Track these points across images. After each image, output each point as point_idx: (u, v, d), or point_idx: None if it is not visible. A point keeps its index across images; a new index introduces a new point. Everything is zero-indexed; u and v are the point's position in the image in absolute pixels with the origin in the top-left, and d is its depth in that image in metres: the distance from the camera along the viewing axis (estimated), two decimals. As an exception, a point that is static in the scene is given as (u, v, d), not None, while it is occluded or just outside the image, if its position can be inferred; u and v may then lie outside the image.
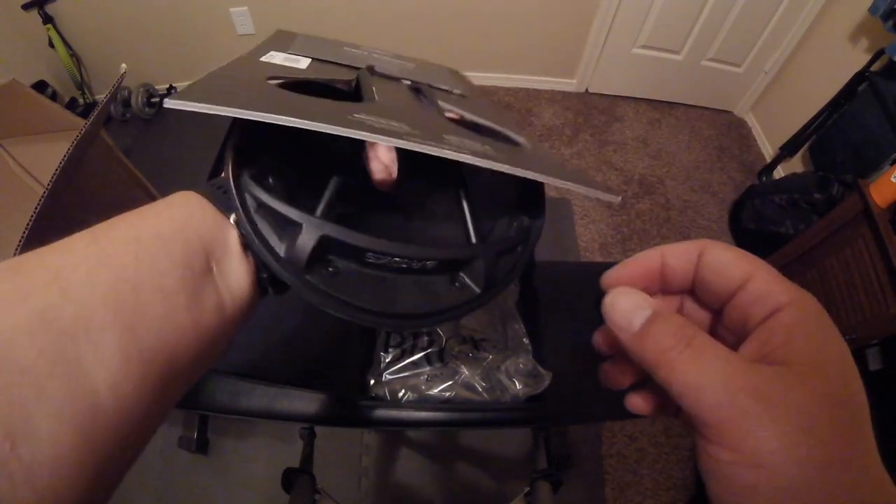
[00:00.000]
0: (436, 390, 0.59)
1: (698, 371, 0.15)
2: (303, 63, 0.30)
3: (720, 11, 1.80)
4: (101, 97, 0.79)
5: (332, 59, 0.33)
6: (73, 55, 1.82)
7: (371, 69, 0.31)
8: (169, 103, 0.16)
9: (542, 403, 0.60)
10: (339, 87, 0.29)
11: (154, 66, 1.94)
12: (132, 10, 1.75)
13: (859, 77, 1.45)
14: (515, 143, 0.28)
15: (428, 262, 0.21)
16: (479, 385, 0.59)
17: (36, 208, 0.59)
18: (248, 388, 0.61)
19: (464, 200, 0.25)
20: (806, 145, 1.68)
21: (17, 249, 0.55)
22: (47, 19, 1.68)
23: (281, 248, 0.20)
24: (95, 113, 0.68)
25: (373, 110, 0.20)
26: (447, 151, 0.18)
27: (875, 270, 1.05)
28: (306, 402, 0.61)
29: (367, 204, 0.25)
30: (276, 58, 0.30)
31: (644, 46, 1.96)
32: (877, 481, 0.14)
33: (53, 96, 1.80)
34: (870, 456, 0.14)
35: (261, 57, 0.30)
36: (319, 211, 0.21)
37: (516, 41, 1.96)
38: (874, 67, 1.43)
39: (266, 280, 0.21)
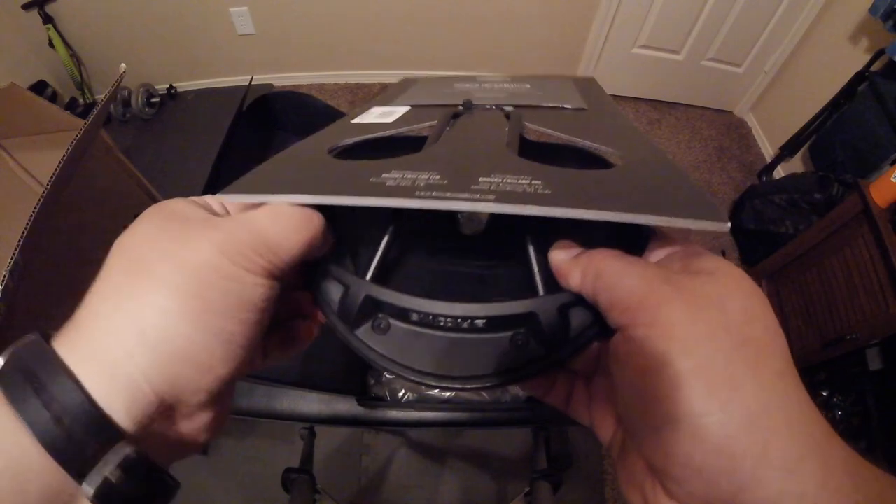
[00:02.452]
0: (436, 390, 0.59)
1: (620, 267, 0.16)
2: (396, 115, 0.30)
3: (720, 11, 1.80)
4: (101, 97, 0.79)
5: (431, 102, 0.33)
6: (73, 55, 1.82)
7: (469, 103, 0.31)
8: (221, 198, 0.18)
9: (542, 403, 0.60)
10: (414, 136, 0.29)
11: (154, 66, 1.94)
12: (132, 10, 1.75)
13: (859, 77, 1.45)
14: (608, 165, 0.25)
15: (476, 321, 0.19)
16: (479, 385, 0.59)
17: (35, 208, 0.59)
18: (248, 388, 0.61)
19: (530, 245, 0.22)
20: (806, 145, 1.68)
21: (16, 249, 0.55)
22: (47, 19, 1.68)
23: (335, 305, 0.21)
24: (95, 113, 0.68)
25: (409, 163, 0.20)
26: (458, 203, 0.17)
27: (875, 270, 1.05)
28: (306, 402, 0.61)
29: (433, 250, 0.25)
30: (372, 115, 0.31)
31: (644, 46, 1.96)
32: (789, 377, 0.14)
33: (53, 96, 1.80)
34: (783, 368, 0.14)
35: (356, 118, 0.31)
36: (371, 268, 0.22)
37: (516, 41, 1.95)
38: (874, 67, 1.43)
39: None
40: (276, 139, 0.96)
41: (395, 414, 0.60)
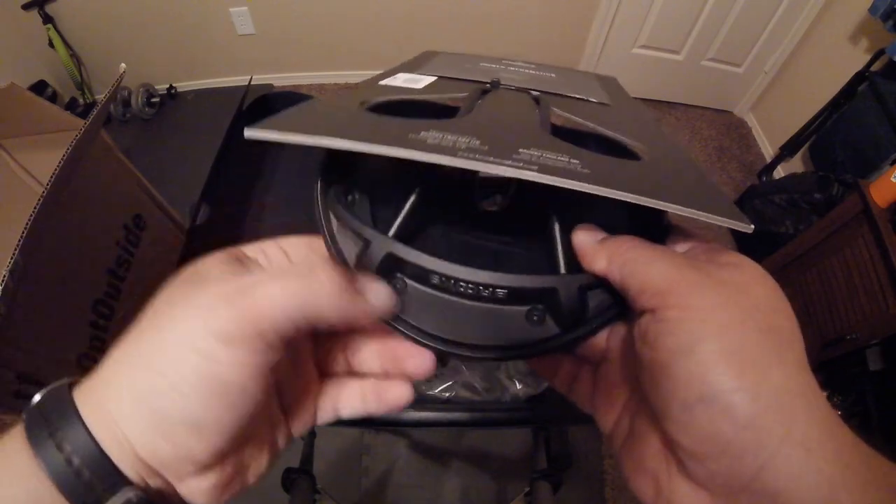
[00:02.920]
0: (436, 390, 0.59)
1: (650, 253, 0.17)
2: (423, 83, 0.30)
3: (720, 11, 1.80)
4: (101, 97, 0.79)
5: (458, 76, 0.32)
6: (73, 55, 1.82)
7: (496, 83, 0.31)
8: (248, 133, 0.17)
9: (542, 403, 0.60)
10: (442, 104, 0.29)
11: (154, 66, 1.94)
12: (132, 10, 1.75)
13: (859, 77, 1.45)
14: (636, 158, 0.25)
15: (498, 290, 0.19)
16: (479, 385, 0.59)
17: (35, 208, 0.59)
18: (247, 388, 0.61)
19: (555, 223, 0.22)
20: (806, 145, 1.68)
21: (16, 249, 0.55)
22: (47, 19, 1.68)
23: (352, 258, 0.20)
24: (95, 113, 0.68)
25: (447, 126, 0.20)
26: (503, 168, 0.16)
27: (875, 270, 1.05)
28: (306, 402, 0.61)
29: (454, 221, 0.25)
30: (398, 80, 0.30)
31: (644, 46, 1.96)
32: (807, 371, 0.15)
33: (53, 96, 1.80)
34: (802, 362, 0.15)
35: (384, 80, 0.30)
36: (395, 226, 0.21)
37: (516, 41, 1.95)
38: (874, 67, 1.43)
39: None
40: (276, 139, 0.95)
41: (395, 414, 0.60)
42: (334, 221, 0.21)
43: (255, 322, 0.15)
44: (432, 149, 0.17)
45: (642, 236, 0.20)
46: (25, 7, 1.64)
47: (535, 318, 0.20)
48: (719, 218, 0.16)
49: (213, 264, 0.18)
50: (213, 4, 1.79)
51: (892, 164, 1.26)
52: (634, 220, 0.20)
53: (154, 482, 0.16)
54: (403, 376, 0.22)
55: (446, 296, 0.20)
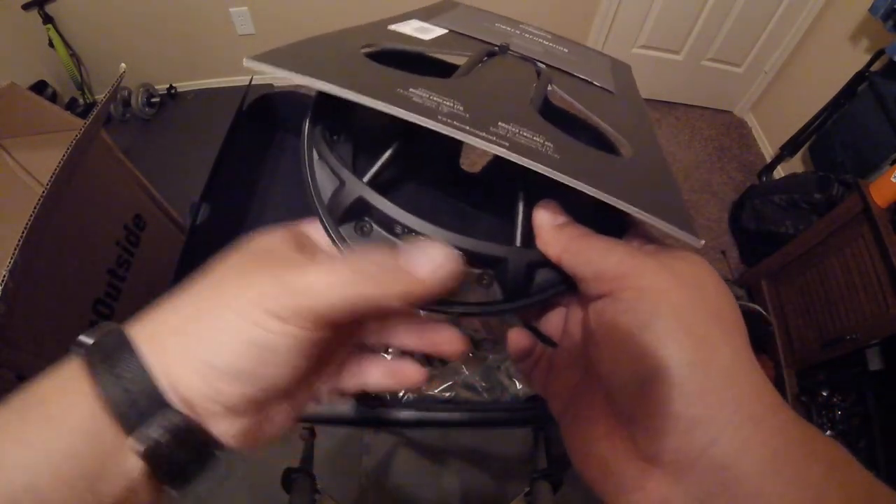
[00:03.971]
0: (436, 390, 0.59)
1: (604, 245, 0.18)
2: (432, 34, 0.30)
3: (720, 11, 1.80)
4: (101, 97, 0.79)
5: (469, 33, 0.32)
6: (73, 55, 1.82)
7: (504, 47, 0.30)
8: (246, 63, 0.18)
9: (542, 403, 0.60)
10: (442, 62, 0.29)
11: (154, 66, 1.94)
12: (132, 10, 1.76)
13: (859, 77, 1.45)
14: (616, 154, 0.26)
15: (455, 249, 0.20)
16: (479, 385, 0.59)
17: (35, 208, 0.59)
18: (247, 388, 0.61)
19: (520, 200, 0.23)
20: (806, 145, 1.68)
21: (16, 249, 0.55)
22: (47, 19, 1.68)
23: (326, 198, 0.22)
24: (95, 113, 0.68)
25: (437, 86, 0.20)
26: (475, 139, 0.17)
27: (875, 270, 1.05)
28: (306, 402, 0.61)
29: (432, 178, 0.26)
30: (410, 26, 0.30)
31: (644, 46, 1.96)
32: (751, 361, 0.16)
33: (53, 96, 1.80)
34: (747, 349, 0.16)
35: (393, 24, 0.30)
36: (370, 173, 0.22)
37: (516, 41, 1.95)
38: (874, 67, 1.43)
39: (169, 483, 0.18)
40: (276, 139, 0.96)
41: (395, 414, 0.60)
42: (316, 157, 0.22)
43: (308, 309, 0.16)
44: (414, 108, 0.17)
45: (604, 225, 0.21)
46: (25, 7, 1.64)
47: (483, 281, 0.21)
48: (674, 228, 0.17)
49: (276, 242, 0.19)
50: (213, 4, 1.79)
51: (892, 164, 1.26)
52: (599, 210, 0.21)
53: (189, 416, 0.17)
54: (423, 359, 0.23)
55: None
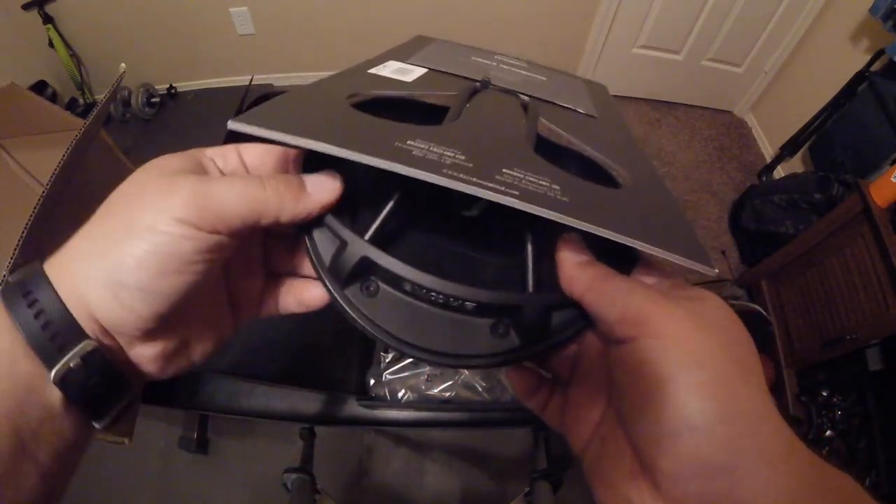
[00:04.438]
0: (436, 390, 0.59)
1: (628, 286, 0.19)
2: (413, 75, 0.30)
3: (720, 11, 1.80)
4: (101, 97, 0.79)
5: (449, 70, 0.32)
6: (73, 55, 1.82)
7: (486, 82, 0.31)
8: (231, 125, 0.18)
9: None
10: (431, 104, 0.29)
11: (154, 66, 1.94)
12: (132, 11, 1.76)
13: (859, 77, 1.45)
14: (616, 184, 0.26)
15: (466, 303, 0.20)
16: (479, 385, 0.59)
17: (35, 208, 0.59)
18: (248, 388, 0.61)
19: (528, 242, 0.23)
20: (806, 145, 1.68)
21: (16, 250, 0.55)
22: (47, 19, 1.68)
23: (328, 260, 0.21)
24: (95, 113, 0.68)
25: (434, 136, 0.20)
26: (485, 191, 0.17)
27: (875, 270, 1.05)
28: (306, 402, 0.61)
29: (432, 224, 0.25)
30: (388, 69, 0.30)
31: (644, 46, 1.96)
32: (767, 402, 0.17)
33: (53, 96, 1.80)
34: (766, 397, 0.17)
35: (372, 68, 0.30)
36: (372, 229, 0.22)
37: (516, 41, 1.95)
38: (874, 67, 1.43)
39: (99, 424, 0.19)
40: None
41: (395, 414, 0.60)
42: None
43: (211, 214, 0.18)
44: (418, 163, 0.17)
45: (612, 258, 0.21)
46: (25, 7, 1.64)
47: (499, 331, 0.21)
48: (690, 262, 0.17)
49: (175, 162, 0.19)
50: (213, 4, 1.78)
51: (892, 164, 1.26)
52: (605, 243, 0.21)
53: (107, 342, 0.18)
54: None
55: (417, 302, 0.21)
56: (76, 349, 0.17)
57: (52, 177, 0.61)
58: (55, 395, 0.17)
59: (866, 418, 1.10)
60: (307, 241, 0.22)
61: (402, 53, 0.33)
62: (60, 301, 0.17)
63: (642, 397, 0.17)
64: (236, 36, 1.89)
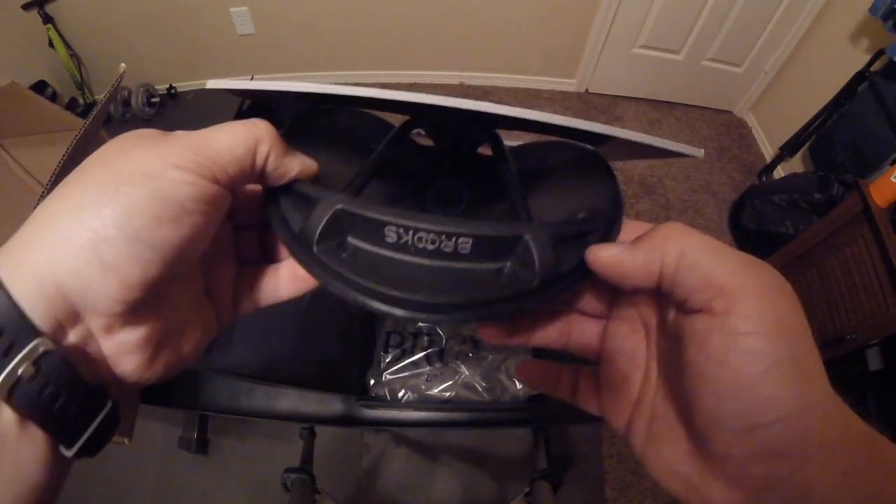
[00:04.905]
0: (436, 390, 0.59)
1: (710, 245, 0.17)
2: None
3: (720, 11, 1.80)
4: (101, 97, 0.79)
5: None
6: (73, 55, 1.81)
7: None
8: (210, 84, 0.17)
9: (542, 403, 0.60)
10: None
11: (154, 66, 1.94)
12: (132, 11, 1.75)
13: (859, 77, 1.45)
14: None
15: (460, 241, 0.17)
16: (479, 385, 0.59)
17: (35, 208, 0.59)
18: (248, 388, 0.61)
19: (509, 172, 0.21)
20: (806, 145, 1.68)
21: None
22: (47, 19, 1.68)
23: (297, 226, 0.19)
24: (95, 113, 0.68)
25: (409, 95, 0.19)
26: (483, 104, 0.16)
27: (875, 270, 1.05)
28: (306, 402, 0.61)
29: (408, 192, 0.24)
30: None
31: (644, 46, 1.96)
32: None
33: (53, 96, 1.80)
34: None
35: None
36: (343, 185, 0.20)
37: (516, 41, 1.95)
38: (874, 67, 1.43)
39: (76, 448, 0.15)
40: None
41: (395, 414, 0.60)
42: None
43: (208, 160, 0.16)
44: (411, 94, 0.16)
45: (588, 183, 0.20)
46: (25, 7, 1.64)
47: (506, 273, 0.18)
48: (670, 142, 0.17)
49: (149, 131, 0.17)
50: (213, 4, 1.78)
51: (892, 164, 1.26)
52: (579, 172, 0.20)
53: (77, 334, 0.15)
54: None
55: (402, 255, 0.18)
56: (25, 351, 0.13)
57: (52, 176, 0.60)
58: (7, 416, 0.13)
59: (866, 418, 1.10)
60: (274, 209, 0.20)
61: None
62: (6, 295, 0.13)
63: (722, 380, 0.15)
64: (236, 36, 1.89)
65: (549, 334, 0.22)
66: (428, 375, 0.59)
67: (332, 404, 0.61)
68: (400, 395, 0.59)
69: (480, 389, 0.59)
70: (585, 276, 0.19)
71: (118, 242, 0.14)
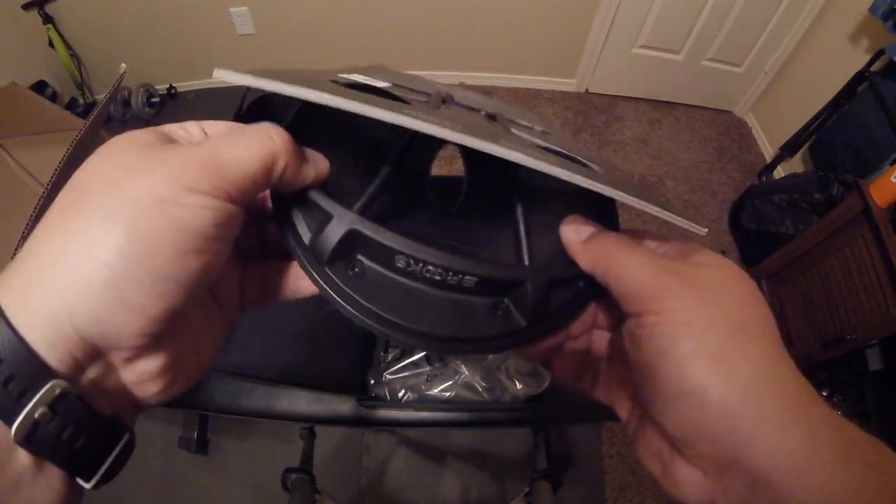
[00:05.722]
0: (436, 390, 0.59)
1: (628, 260, 0.18)
2: (381, 84, 0.30)
3: (720, 11, 1.80)
4: (101, 97, 0.79)
5: (411, 87, 0.32)
6: (73, 55, 1.82)
7: (450, 97, 0.30)
8: (218, 74, 0.16)
9: (542, 403, 0.60)
10: (408, 98, 0.29)
11: (154, 66, 1.94)
12: (132, 10, 1.75)
13: (859, 77, 1.45)
14: (588, 167, 0.26)
15: (465, 278, 0.18)
16: (479, 385, 0.59)
17: (35, 208, 0.59)
18: (248, 388, 0.62)
19: (520, 217, 0.22)
20: (806, 145, 1.68)
21: (16, 250, 0.55)
22: (47, 19, 1.68)
23: (307, 238, 0.19)
24: (95, 113, 0.68)
25: (429, 112, 0.19)
26: (498, 148, 0.16)
27: (875, 270, 1.05)
28: (306, 402, 0.61)
29: (418, 206, 0.24)
30: (354, 76, 0.30)
31: (644, 46, 1.96)
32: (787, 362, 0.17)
33: (53, 96, 1.80)
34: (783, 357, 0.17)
35: (340, 73, 0.30)
36: (358, 205, 0.20)
37: (517, 41, 1.95)
38: (874, 67, 1.43)
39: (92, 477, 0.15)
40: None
41: (395, 414, 0.60)
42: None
43: (223, 180, 0.15)
44: (430, 122, 0.16)
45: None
46: (25, 7, 1.64)
47: (499, 311, 0.20)
48: (676, 217, 0.18)
49: (143, 136, 0.16)
50: (213, 4, 1.78)
51: (892, 164, 1.26)
52: (593, 214, 0.21)
53: (96, 370, 0.14)
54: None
55: (409, 282, 0.19)
56: (39, 395, 0.13)
57: (52, 176, 0.61)
58: (23, 459, 0.13)
59: (866, 418, 1.10)
60: (282, 214, 0.20)
61: (363, 71, 0.34)
62: (11, 328, 0.13)
63: (644, 369, 0.17)
64: (236, 36, 1.89)
65: (579, 343, 0.24)
66: (428, 375, 0.59)
67: (332, 404, 0.61)
68: (400, 395, 0.59)
69: (480, 389, 0.59)
70: (575, 318, 0.21)
71: (140, 281, 0.14)
